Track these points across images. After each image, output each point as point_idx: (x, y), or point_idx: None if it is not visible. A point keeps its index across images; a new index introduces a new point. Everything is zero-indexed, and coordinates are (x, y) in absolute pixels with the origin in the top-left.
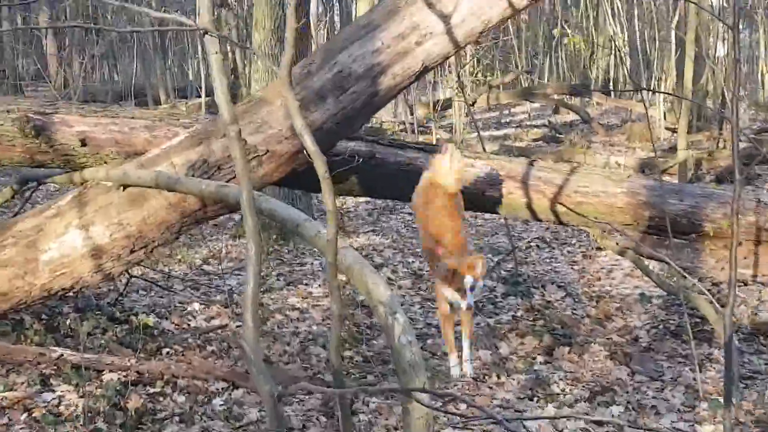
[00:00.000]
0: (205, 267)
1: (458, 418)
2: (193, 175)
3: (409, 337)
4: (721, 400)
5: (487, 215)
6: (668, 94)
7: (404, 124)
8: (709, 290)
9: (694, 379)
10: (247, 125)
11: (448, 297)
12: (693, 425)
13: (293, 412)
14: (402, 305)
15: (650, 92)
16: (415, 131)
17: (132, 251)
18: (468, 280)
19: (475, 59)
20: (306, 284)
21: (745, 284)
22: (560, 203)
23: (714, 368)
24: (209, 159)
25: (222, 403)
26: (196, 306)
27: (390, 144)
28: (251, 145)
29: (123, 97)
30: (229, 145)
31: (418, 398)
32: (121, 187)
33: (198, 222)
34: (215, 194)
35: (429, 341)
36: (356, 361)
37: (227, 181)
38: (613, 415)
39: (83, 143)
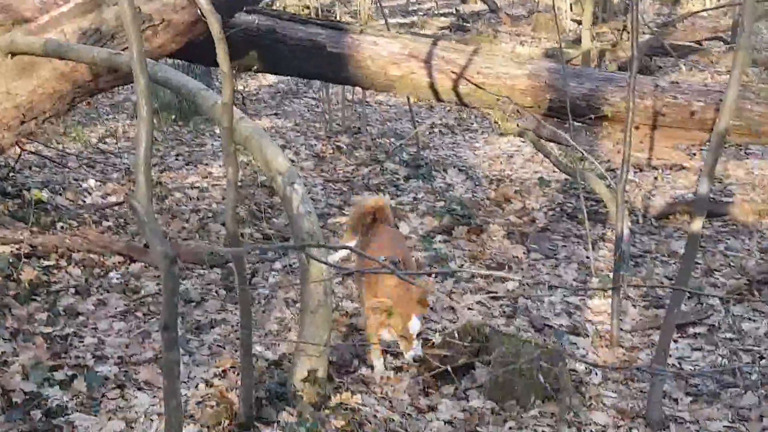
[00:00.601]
0: (101, 146)
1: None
2: (85, 44)
3: (307, 207)
4: (611, 275)
5: (392, 100)
6: None
7: (309, 8)
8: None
9: (587, 257)
10: None
11: (385, 339)
12: (583, 299)
13: (192, 286)
14: (304, 186)
15: None
16: (319, 15)
17: (22, 122)
18: (415, 324)
19: None
20: (206, 164)
21: (641, 170)
22: (465, 78)
23: (606, 247)
24: (102, 27)
25: (119, 276)
26: (92, 183)
27: (292, 19)
28: (146, 14)
29: None
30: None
31: (314, 255)
32: (9, 55)
33: (91, 94)
34: (107, 61)
35: (330, 220)
36: (256, 237)
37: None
38: (508, 290)
39: None
